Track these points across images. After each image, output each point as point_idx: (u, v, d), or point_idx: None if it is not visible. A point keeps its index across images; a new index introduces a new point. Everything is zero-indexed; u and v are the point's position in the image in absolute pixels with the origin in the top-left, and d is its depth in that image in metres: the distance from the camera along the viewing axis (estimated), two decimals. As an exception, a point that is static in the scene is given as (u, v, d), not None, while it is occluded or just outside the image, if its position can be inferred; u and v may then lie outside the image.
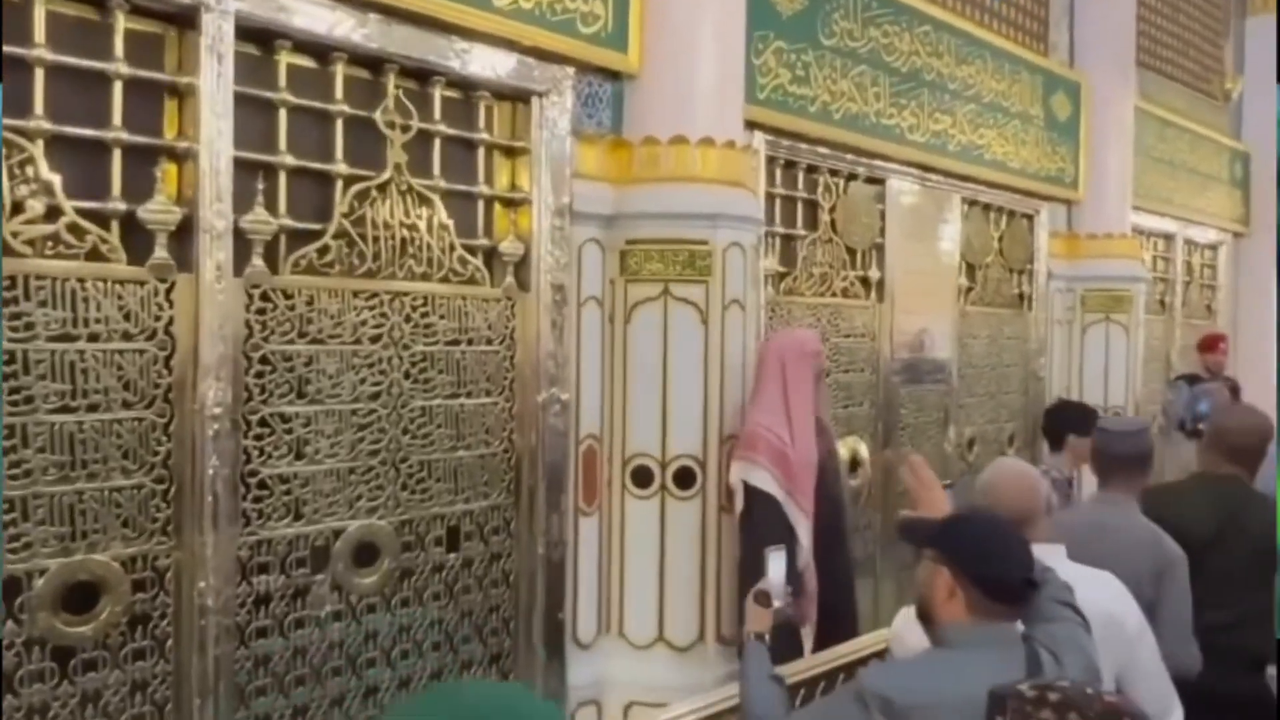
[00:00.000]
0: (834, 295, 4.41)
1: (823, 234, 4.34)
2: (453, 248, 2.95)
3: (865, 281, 4.61)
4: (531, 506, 3.15)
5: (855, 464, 4.50)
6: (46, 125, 2.21)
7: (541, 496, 3.16)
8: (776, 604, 2.32)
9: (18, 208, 2.18)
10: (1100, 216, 6.00)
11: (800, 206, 4.26)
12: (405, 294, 2.84)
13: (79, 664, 2.26)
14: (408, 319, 2.84)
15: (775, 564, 2.38)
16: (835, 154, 4.33)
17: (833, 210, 4.39)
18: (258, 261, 2.53)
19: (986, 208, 5.43)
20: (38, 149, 2.20)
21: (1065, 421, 3.94)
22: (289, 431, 2.61)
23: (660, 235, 3.26)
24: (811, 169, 4.29)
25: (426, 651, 2.93)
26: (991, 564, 1.78)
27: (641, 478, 3.28)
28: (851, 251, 4.51)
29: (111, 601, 2.29)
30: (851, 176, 4.48)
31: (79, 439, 2.25)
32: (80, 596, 2.27)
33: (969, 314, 5.31)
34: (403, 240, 2.84)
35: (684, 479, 3.27)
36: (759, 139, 3.88)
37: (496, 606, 3.10)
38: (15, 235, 2.17)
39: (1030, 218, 5.78)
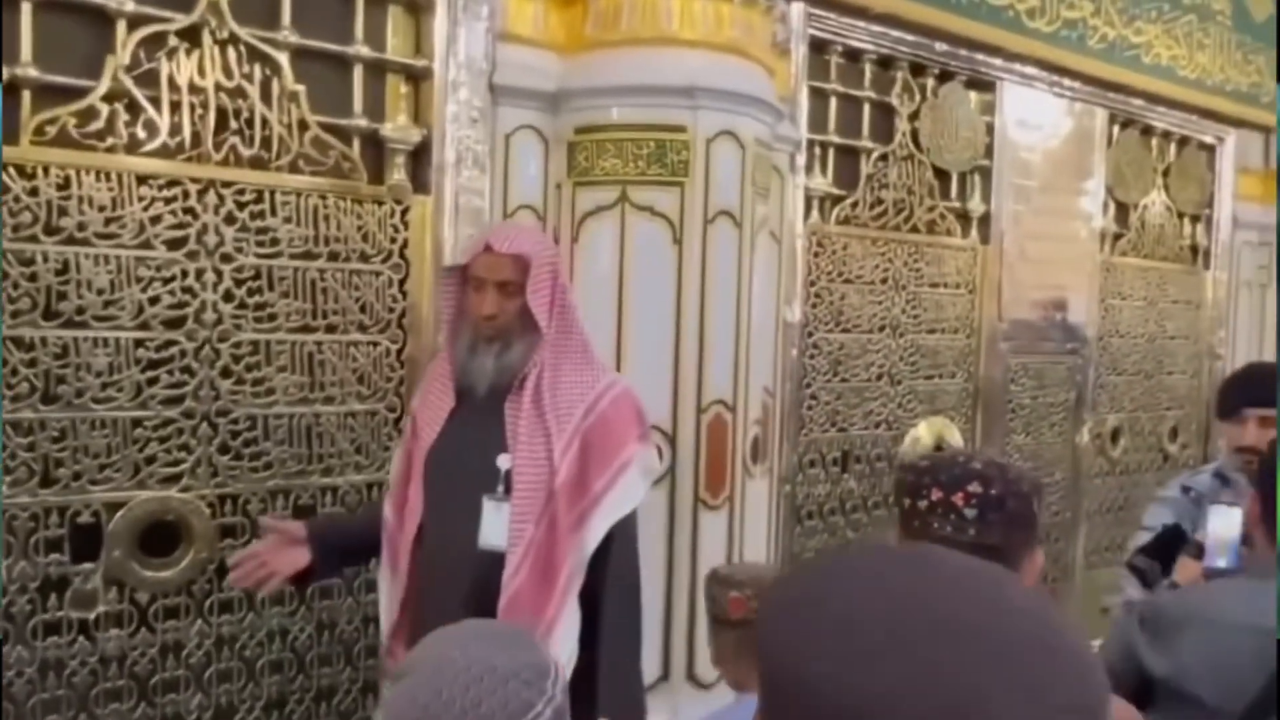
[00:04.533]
0: (914, 230, 3.35)
1: (899, 148, 3.29)
2: (304, 126, 2.15)
3: (963, 216, 3.52)
4: (429, 486, 2.33)
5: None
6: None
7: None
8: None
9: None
10: (1311, 148, 4.58)
11: (868, 111, 3.23)
12: (226, 184, 2.06)
13: None
14: (230, 219, 2.07)
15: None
16: (920, 42, 3.27)
17: (914, 118, 3.33)
18: (-16, 125, 1.82)
19: (1146, 130, 4.17)
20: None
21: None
22: (32, 364, 1.89)
23: (618, 120, 2.35)
24: (886, 61, 3.25)
25: (262, 673, 2.16)
26: None
27: (588, 454, 2.39)
28: (942, 175, 3.43)
29: None
30: (945, 75, 3.40)
31: None
32: None
33: (1117, 268, 4.09)
34: (221, 111, 2.06)
35: (644, 458, 2.36)
36: (797, 9, 2.89)
37: (374, 617, 2.29)
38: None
39: (1210, 147, 4.46)
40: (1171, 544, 1.99)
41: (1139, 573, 2.02)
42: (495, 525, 1.74)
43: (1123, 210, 4.12)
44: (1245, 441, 2.10)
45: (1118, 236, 4.10)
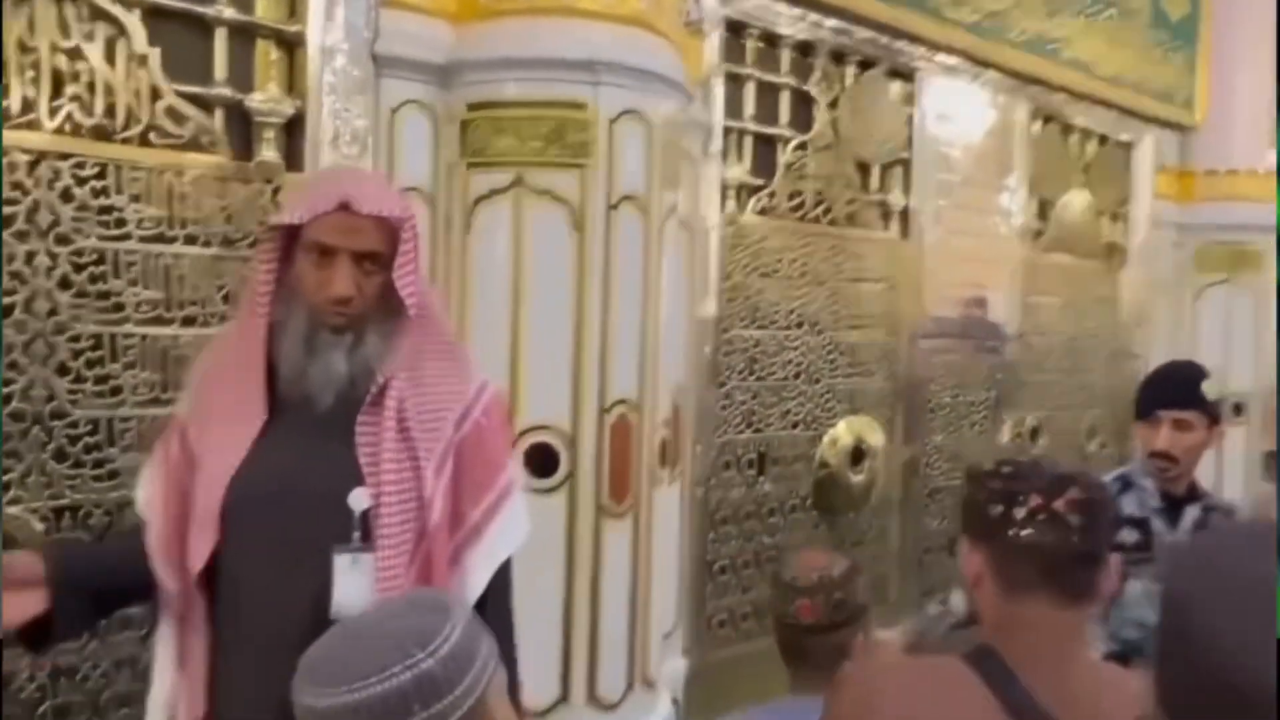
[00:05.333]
0: (835, 223, 3.23)
1: (818, 138, 3.17)
2: (156, 94, 1.92)
3: (884, 209, 3.41)
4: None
5: (859, 456, 3.32)
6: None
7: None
8: None
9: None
10: (1225, 147, 4.59)
11: (786, 98, 3.10)
12: (63, 156, 1.82)
13: None
14: (66, 196, 1.83)
15: None
16: (840, 28, 3.15)
17: (834, 107, 3.21)
18: None
19: (1067, 127, 4.13)
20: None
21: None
22: None
23: (514, 96, 2.17)
24: (805, 47, 3.12)
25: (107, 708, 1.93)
26: None
27: (480, 458, 2.20)
28: (863, 166, 3.32)
29: None
30: (865, 64, 3.29)
31: None
32: None
33: (1039, 265, 4.03)
34: (56, 74, 1.82)
35: (541, 462, 2.18)
36: (711, -12, 2.75)
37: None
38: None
39: (1128, 145, 4.45)
40: None
41: None
42: (353, 586, 1.26)
43: (1044, 207, 4.07)
44: (1158, 445, 2.00)
45: (1038, 233, 4.04)
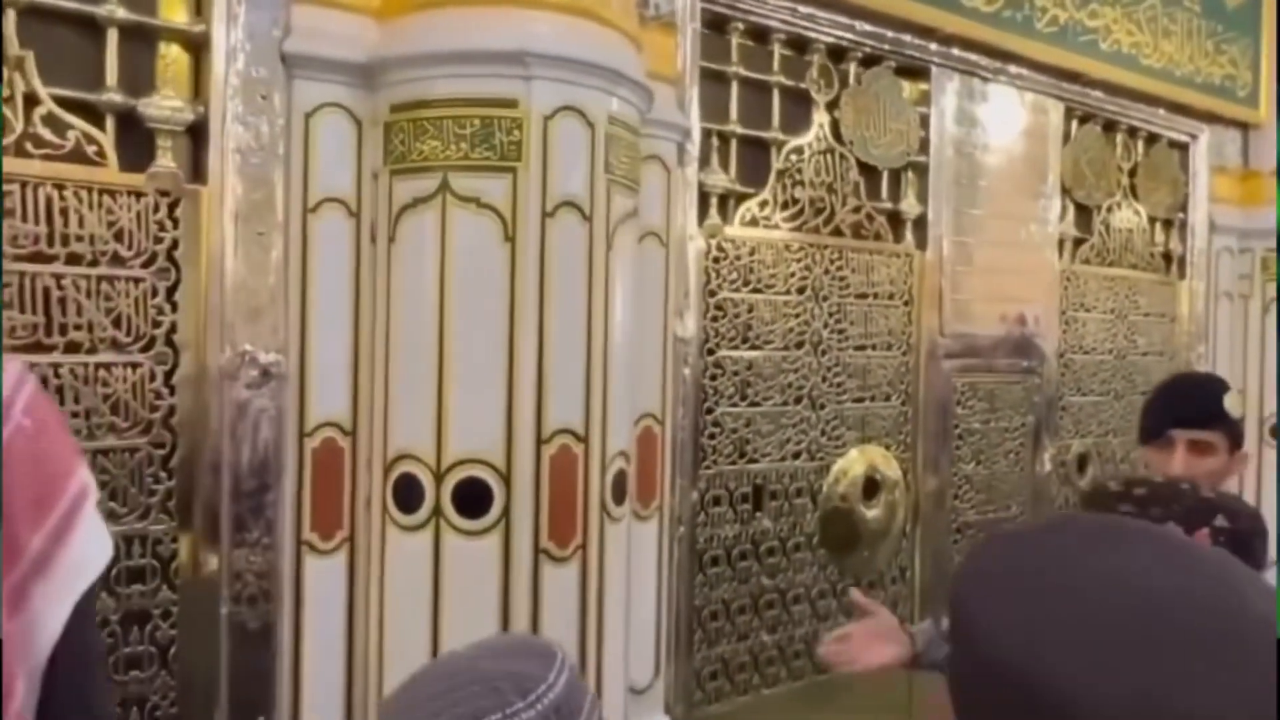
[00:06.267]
0: (837, 233, 2.95)
1: (816, 140, 2.90)
2: (33, 100, 1.76)
3: (895, 218, 3.12)
4: (208, 538, 1.92)
5: (873, 487, 3.02)
6: None
7: (227, 522, 1.92)
8: None
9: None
10: (1294, 145, 4.18)
11: (778, 97, 2.84)
12: (-80, 169, 1.67)
13: None
14: (-74, 212, 1.67)
15: None
16: (839, 20, 2.89)
17: (834, 108, 2.94)
18: None
19: (1109, 126, 3.79)
20: None
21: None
22: None
23: (439, 94, 1.96)
24: (799, 43, 2.87)
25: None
26: None
27: (407, 495, 1.98)
28: (870, 171, 3.04)
29: None
30: (870, 60, 3.02)
31: None
32: None
33: (1079, 277, 3.68)
34: (-86, 78, 1.68)
35: (471, 499, 1.94)
36: (682, -22, 2.52)
37: (124, 702, 1.87)
38: None
39: (1183, 145, 4.07)
40: None
41: None
42: None
43: (1084, 214, 3.72)
44: (1173, 470, 1.67)
45: (1079, 242, 3.70)
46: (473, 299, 1.95)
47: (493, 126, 1.94)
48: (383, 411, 2.00)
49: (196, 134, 1.92)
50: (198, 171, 1.91)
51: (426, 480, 1.95)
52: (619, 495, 2.12)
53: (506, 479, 1.95)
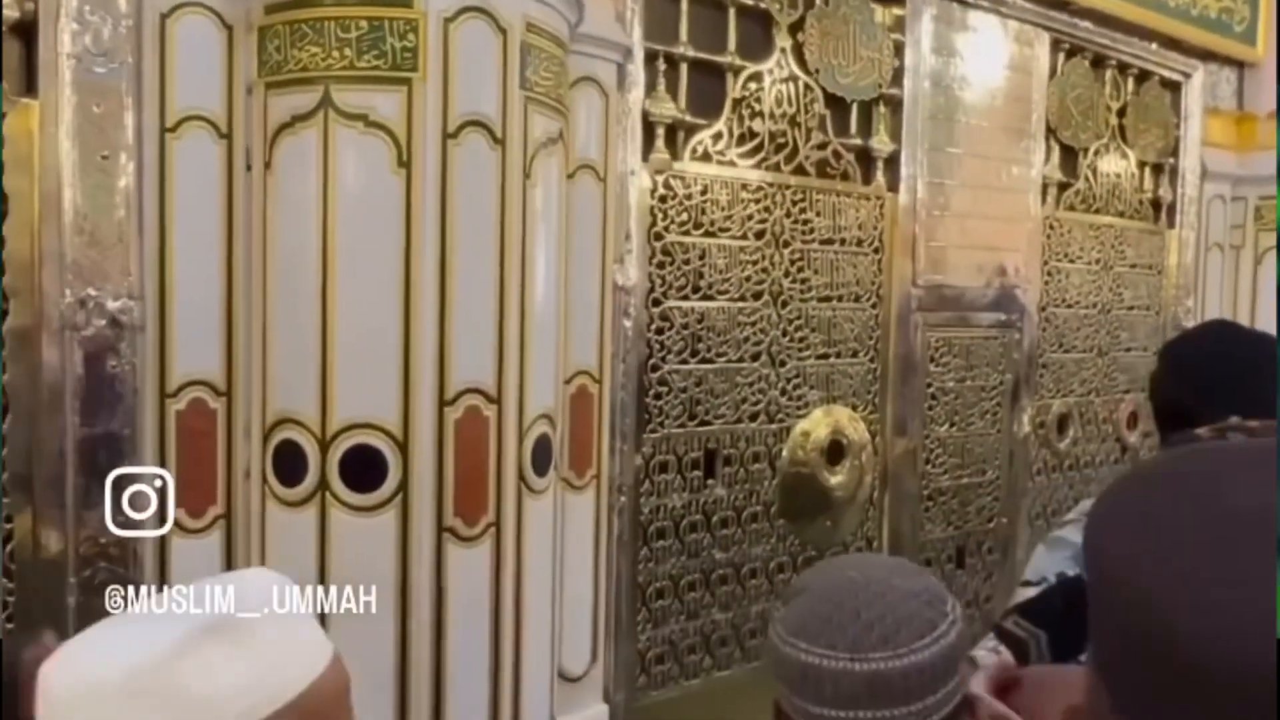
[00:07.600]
0: (800, 171, 2.67)
1: (777, 67, 2.61)
2: None
3: (865, 156, 2.84)
4: (51, 518, 1.64)
5: (838, 451, 2.77)
6: None
7: (73, 499, 1.64)
8: None
9: None
10: (1292, 86, 3.92)
11: (734, 18, 2.54)
12: None
13: None
14: None
15: None
16: (802, -66, 2.58)
17: (797, 31, 2.64)
18: None
19: (1098, 61, 3.50)
20: None
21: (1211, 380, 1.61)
22: None
23: (320, -8, 1.65)
24: (757, -42, 2.56)
25: None
26: None
27: (289, 465, 1.70)
28: (837, 103, 2.75)
29: None
30: (838, -20, 2.71)
31: None
32: None
33: (1063, 225, 3.42)
34: None
35: (362, 471, 1.67)
36: (622, -127, 2.20)
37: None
38: None
39: (1175, 84, 3.79)
40: (1069, 604, 1.26)
41: (1014, 642, 1.27)
42: None
43: (1069, 156, 3.45)
44: None
45: (1063, 187, 3.43)
46: (362, 235, 1.66)
47: (382, 29, 1.64)
48: (260, 368, 1.72)
49: (26, 36, 1.60)
50: (29, 83, 1.60)
51: (310, 448, 1.67)
52: (542, 464, 1.85)
53: (403, 447, 1.67)
